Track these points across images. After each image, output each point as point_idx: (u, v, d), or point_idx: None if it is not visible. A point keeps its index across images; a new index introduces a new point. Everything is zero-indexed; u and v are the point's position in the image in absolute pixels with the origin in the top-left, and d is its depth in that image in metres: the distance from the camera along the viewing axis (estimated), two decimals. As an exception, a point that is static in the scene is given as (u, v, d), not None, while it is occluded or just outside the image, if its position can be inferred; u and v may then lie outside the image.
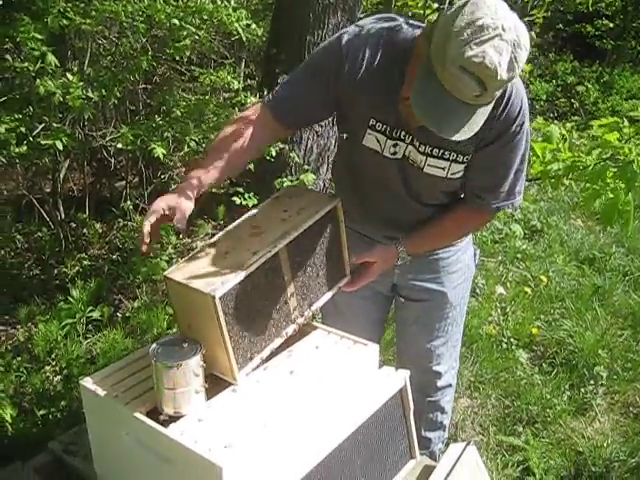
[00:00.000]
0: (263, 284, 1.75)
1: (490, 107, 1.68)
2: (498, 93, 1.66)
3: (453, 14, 1.57)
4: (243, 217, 1.96)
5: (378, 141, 1.96)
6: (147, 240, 1.70)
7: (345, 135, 2.15)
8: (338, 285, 2.03)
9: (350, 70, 1.87)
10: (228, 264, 1.71)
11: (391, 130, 1.93)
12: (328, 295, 2.00)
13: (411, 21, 1.92)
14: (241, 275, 1.66)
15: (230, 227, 1.91)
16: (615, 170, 2.81)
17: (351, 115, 2.01)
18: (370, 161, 2.01)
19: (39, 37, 3.07)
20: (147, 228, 1.69)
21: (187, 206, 1.74)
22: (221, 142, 1.92)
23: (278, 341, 1.84)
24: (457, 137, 1.65)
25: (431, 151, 1.92)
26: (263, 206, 2.00)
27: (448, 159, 1.92)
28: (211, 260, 1.75)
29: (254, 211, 1.98)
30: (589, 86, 9.52)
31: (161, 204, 1.72)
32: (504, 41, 1.54)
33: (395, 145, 1.95)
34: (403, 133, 1.92)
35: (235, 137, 1.91)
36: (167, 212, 1.71)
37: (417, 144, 1.92)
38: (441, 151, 1.91)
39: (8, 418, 2.84)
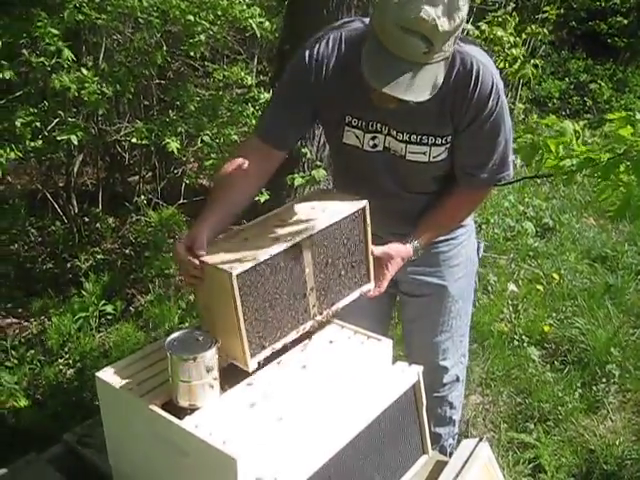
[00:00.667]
0: (282, 273, 1.75)
1: (446, 61, 1.71)
2: (449, 47, 1.68)
3: None
4: (270, 213, 1.97)
5: (357, 137, 2.00)
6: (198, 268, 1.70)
7: (328, 138, 2.22)
8: (361, 289, 2.01)
9: (317, 77, 1.91)
10: (249, 248, 1.72)
11: (367, 124, 1.98)
12: (350, 298, 1.99)
13: (360, 18, 1.97)
14: (260, 258, 1.67)
15: (256, 219, 1.92)
16: (628, 164, 2.80)
17: (328, 117, 2.06)
18: (354, 158, 2.05)
19: (55, 32, 3.09)
20: (190, 264, 1.70)
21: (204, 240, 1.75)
22: (224, 185, 1.95)
23: (293, 335, 1.84)
24: (420, 98, 1.68)
25: (409, 138, 1.95)
26: (291, 204, 2.01)
27: (427, 143, 1.95)
28: (233, 244, 1.76)
29: (282, 207, 1.99)
30: (602, 84, 9.47)
31: (182, 243, 1.73)
32: None
33: (374, 138, 1.99)
34: (379, 125, 1.97)
35: (238, 178, 1.93)
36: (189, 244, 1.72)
37: (394, 133, 1.96)
38: (419, 137, 1.94)
39: (22, 410, 2.87)
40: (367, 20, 1.87)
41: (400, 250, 2.07)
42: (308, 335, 1.93)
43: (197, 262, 1.68)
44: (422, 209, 2.12)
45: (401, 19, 1.58)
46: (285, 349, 1.86)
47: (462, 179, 2.06)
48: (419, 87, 1.67)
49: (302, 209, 1.95)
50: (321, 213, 1.89)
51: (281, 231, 1.80)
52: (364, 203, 1.93)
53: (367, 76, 1.69)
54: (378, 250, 2.02)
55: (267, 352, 1.77)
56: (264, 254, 1.68)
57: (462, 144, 1.96)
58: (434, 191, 2.12)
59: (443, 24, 1.58)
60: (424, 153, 1.96)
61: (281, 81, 2.05)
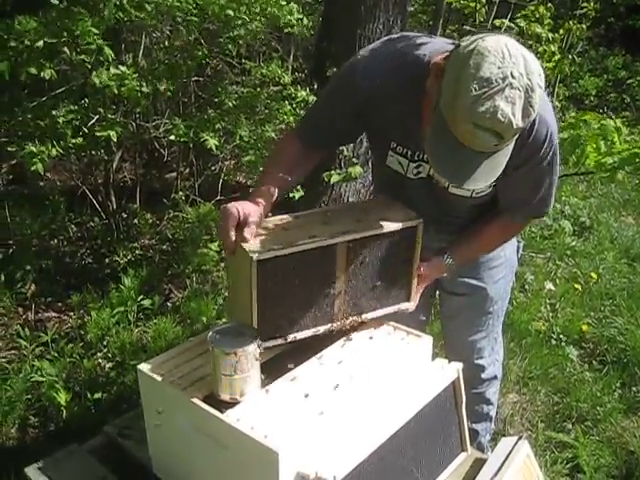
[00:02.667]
0: (310, 270, 1.75)
1: (511, 147, 1.62)
2: (516, 137, 1.61)
3: (459, 66, 1.52)
4: (321, 208, 1.98)
5: (400, 163, 1.97)
6: (234, 246, 1.70)
7: (372, 148, 2.20)
8: (398, 307, 1.98)
9: (367, 99, 1.86)
10: (283, 238, 1.73)
11: (412, 154, 1.93)
12: (383, 312, 1.96)
13: (420, 40, 1.89)
14: (287, 250, 1.68)
15: (304, 212, 1.92)
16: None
17: (373, 137, 2.05)
18: (394, 178, 2.01)
19: (95, 31, 3.13)
20: (232, 238, 1.69)
21: (258, 217, 1.75)
22: (270, 166, 1.96)
23: (309, 332, 1.84)
24: (480, 185, 1.64)
25: None
26: (342, 205, 2.01)
27: None
28: (270, 230, 1.77)
29: (336, 205, 2.00)
30: (641, 81, 9.32)
31: (237, 210, 1.71)
32: (515, 89, 1.48)
33: (418, 166, 1.95)
34: (425, 156, 1.91)
35: (280, 164, 1.93)
36: (240, 219, 1.71)
37: None
38: None
39: (62, 402, 2.92)
40: (424, 52, 1.81)
41: (436, 268, 2.07)
42: (345, 332, 1.93)
43: (244, 238, 1.68)
44: (458, 228, 2.11)
45: (475, 117, 1.49)
46: (325, 344, 1.87)
47: (503, 211, 2.03)
48: (483, 174, 1.60)
49: (354, 211, 1.93)
50: (371, 221, 1.86)
51: (322, 228, 1.80)
52: (418, 222, 1.88)
53: (431, 161, 1.65)
54: (420, 267, 1.99)
55: (278, 342, 1.79)
56: (293, 247, 1.69)
57: (508, 183, 1.89)
58: (472, 216, 2.11)
59: (518, 122, 1.50)
60: (467, 189, 1.92)
61: (330, 88, 2.00)
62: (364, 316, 1.93)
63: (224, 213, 1.72)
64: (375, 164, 2.24)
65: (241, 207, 1.72)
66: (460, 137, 1.55)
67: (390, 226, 1.84)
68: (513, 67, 1.48)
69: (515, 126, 1.51)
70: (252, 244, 1.68)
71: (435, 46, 1.83)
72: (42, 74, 3.03)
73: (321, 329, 1.86)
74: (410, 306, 2.01)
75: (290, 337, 1.81)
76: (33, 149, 3.03)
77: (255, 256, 1.63)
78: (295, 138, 1.99)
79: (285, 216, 1.88)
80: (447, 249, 2.08)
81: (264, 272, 1.67)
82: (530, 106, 1.51)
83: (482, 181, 1.61)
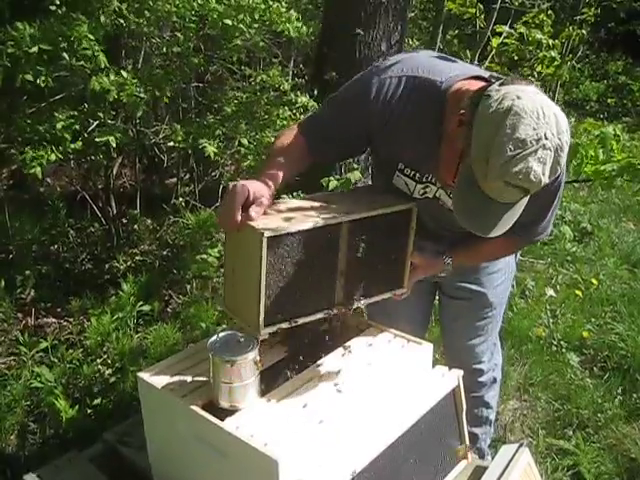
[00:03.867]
0: (314, 250, 1.76)
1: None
2: None
3: (494, 124, 1.51)
4: (319, 193, 1.98)
5: (407, 184, 1.97)
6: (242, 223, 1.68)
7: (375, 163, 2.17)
8: (392, 292, 2.01)
9: (380, 118, 1.85)
10: (288, 219, 1.73)
11: (421, 176, 1.94)
12: (381, 296, 1.99)
13: (437, 63, 1.88)
14: (294, 228, 1.68)
15: (303, 196, 1.93)
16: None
17: (381, 157, 2.03)
18: (400, 196, 2.01)
19: (92, 37, 3.13)
20: (238, 215, 1.67)
21: (267, 197, 1.74)
22: (275, 155, 1.92)
23: (313, 317, 1.84)
24: (500, 232, 1.65)
25: None
26: (340, 192, 2.02)
27: None
28: (275, 212, 1.77)
29: (332, 192, 2.00)
30: (642, 86, 9.35)
31: (245, 188, 1.69)
32: (547, 149, 1.49)
33: (425, 187, 1.96)
34: (434, 179, 1.92)
35: (285, 155, 1.91)
36: (249, 199, 1.70)
37: (448, 191, 1.92)
38: None
39: (62, 408, 2.91)
40: (441, 79, 1.79)
41: (433, 264, 2.08)
42: (346, 339, 1.93)
43: (250, 216, 1.66)
44: (457, 240, 2.10)
45: (508, 176, 1.49)
46: (325, 352, 1.86)
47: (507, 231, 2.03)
48: (505, 222, 1.62)
49: (352, 196, 1.97)
50: (369, 203, 1.88)
51: (325, 210, 1.81)
52: (413, 204, 1.92)
53: (457, 213, 1.66)
54: (415, 257, 2.01)
55: (282, 325, 1.78)
56: (299, 226, 1.69)
57: None
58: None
59: (546, 180, 1.52)
60: None
61: (341, 97, 1.97)
62: (364, 300, 1.94)
63: (233, 190, 1.70)
64: (378, 179, 2.22)
65: (251, 186, 1.71)
66: (488, 191, 1.56)
67: (391, 208, 1.87)
68: (547, 128, 1.49)
69: (543, 184, 1.53)
70: (259, 222, 1.67)
71: (451, 72, 1.82)
72: (38, 81, 3.03)
73: (322, 314, 1.86)
74: (404, 291, 2.04)
75: (295, 320, 1.80)
76: (32, 153, 3.03)
77: (266, 232, 1.62)
78: (301, 136, 1.96)
79: (286, 200, 1.89)
80: (447, 250, 2.10)
81: (272, 250, 1.66)
82: (558, 164, 1.54)
83: (503, 228, 1.64)
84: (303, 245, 1.72)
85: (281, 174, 1.84)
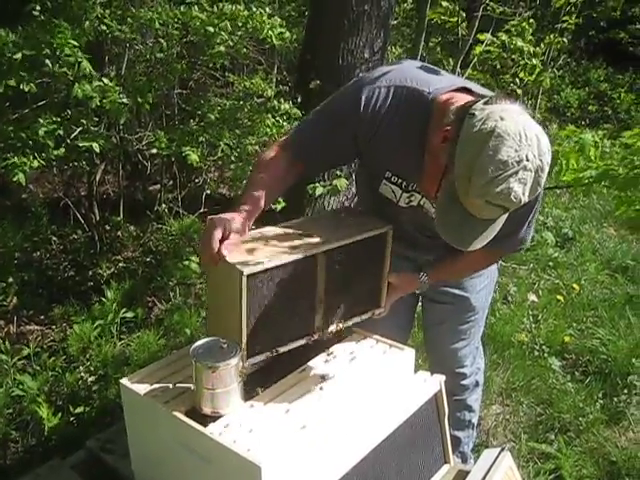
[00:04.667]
0: (294, 281, 1.77)
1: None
2: None
3: (477, 145, 1.53)
4: (294, 221, 1.99)
5: (393, 192, 1.99)
6: (219, 258, 1.69)
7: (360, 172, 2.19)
8: (370, 312, 2.04)
9: (369, 128, 1.86)
10: (266, 252, 1.74)
11: (407, 184, 1.96)
12: (360, 318, 2.01)
13: (424, 74, 1.89)
14: (273, 263, 1.70)
15: (280, 225, 1.93)
16: (646, 177, 2.79)
17: (368, 164, 2.05)
18: (383, 202, 2.04)
19: (75, 44, 3.13)
20: (216, 249, 1.67)
21: (243, 231, 1.76)
22: (257, 176, 1.93)
23: (296, 344, 1.86)
24: (479, 246, 1.68)
25: None
26: (317, 216, 2.03)
27: None
28: (253, 245, 1.78)
29: (307, 218, 2.01)
30: (622, 93, 9.42)
31: (222, 224, 1.70)
32: (528, 171, 1.52)
33: (410, 196, 1.98)
34: (418, 187, 1.95)
35: (268, 175, 1.91)
36: (226, 233, 1.70)
37: (432, 202, 1.95)
38: None
39: (44, 416, 2.89)
40: (429, 89, 1.81)
41: (409, 282, 2.12)
42: (329, 345, 1.95)
43: (222, 254, 1.66)
44: (437, 247, 2.09)
45: (489, 196, 1.53)
46: (308, 358, 1.87)
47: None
48: (485, 237, 1.66)
49: (327, 222, 1.97)
50: (344, 229, 1.90)
51: (301, 240, 1.82)
52: (388, 228, 1.94)
53: (438, 227, 1.68)
54: (392, 277, 2.04)
55: (265, 356, 1.80)
56: (278, 260, 1.71)
57: None
58: None
59: (525, 199, 1.55)
60: None
61: (329, 108, 1.97)
62: (342, 324, 1.95)
63: (210, 225, 1.71)
64: (364, 186, 2.24)
65: (227, 220, 1.72)
66: (469, 208, 1.59)
67: (366, 233, 1.89)
68: (528, 149, 1.52)
69: (522, 203, 1.57)
70: (237, 258, 1.68)
71: (438, 84, 1.83)
72: (21, 86, 3.03)
73: (304, 340, 1.88)
74: (382, 312, 2.07)
75: (278, 350, 1.82)
76: (15, 160, 3.02)
77: (245, 270, 1.64)
78: (285, 151, 1.96)
79: (263, 229, 1.89)
80: (423, 267, 2.13)
81: (252, 286, 1.68)
82: (538, 185, 1.57)
83: (482, 243, 1.67)
84: (282, 278, 1.75)
85: (262, 200, 1.86)
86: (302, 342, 1.88)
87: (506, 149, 1.50)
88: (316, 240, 1.82)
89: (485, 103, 1.59)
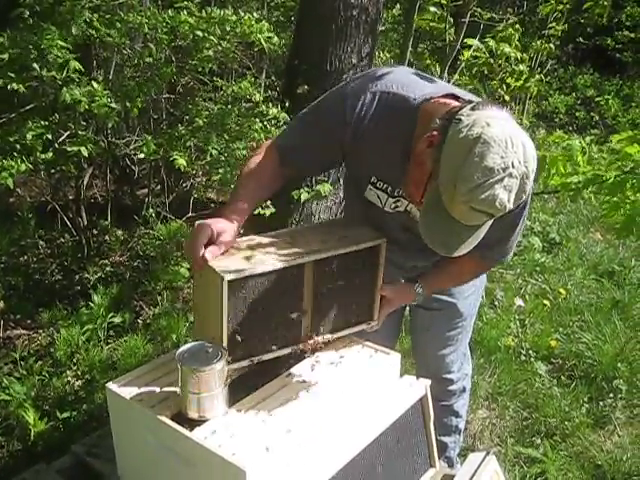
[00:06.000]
0: (278, 290, 1.77)
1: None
2: None
3: (463, 151, 1.53)
4: (286, 229, 1.99)
5: (379, 197, 1.98)
6: (203, 263, 1.69)
7: (347, 177, 2.19)
8: (361, 327, 2.02)
9: (354, 133, 1.86)
10: (251, 259, 1.74)
11: (393, 190, 1.95)
12: (350, 331, 1.99)
13: (411, 80, 1.90)
14: (257, 270, 1.69)
15: (270, 233, 1.93)
16: (635, 182, 2.81)
17: (353, 170, 2.06)
18: (370, 208, 2.03)
19: (64, 45, 3.13)
20: (201, 254, 1.68)
21: (231, 236, 1.76)
22: (246, 179, 1.93)
23: (278, 353, 1.85)
24: (464, 251, 1.67)
25: None
26: (307, 226, 2.02)
27: None
28: (239, 251, 1.78)
29: (299, 227, 2.00)
30: (609, 99, 9.49)
31: (208, 228, 1.71)
32: (513, 178, 1.52)
33: (397, 201, 1.97)
34: (404, 193, 1.94)
35: (256, 178, 1.92)
36: (213, 237, 1.71)
37: (418, 207, 1.92)
38: None
39: (31, 420, 2.88)
40: (415, 96, 1.81)
41: (405, 295, 2.11)
42: (312, 351, 1.95)
43: (206, 258, 1.67)
44: (427, 254, 2.04)
45: (474, 202, 1.53)
46: (295, 361, 1.88)
47: (474, 252, 2.00)
48: (469, 243, 1.65)
49: (318, 232, 1.96)
50: (336, 240, 1.88)
51: (289, 249, 1.81)
52: (381, 241, 1.92)
53: (423, 233, 1.68)
54: (385, 290, 2.02)
55: (248, 362, 1.79)
56: (262, 267, 1.70)
57: None
58: None
59: (510, 206, 1.56)
60: None
61: (315, 113, 1.97)
62: (329, 336, 1.94)
63: (196, 229, 1.72)
64: (350, 192, 2.23)
65: (214, 225, 1.73)
66: (453, 214, 1.59)
67: (355, 246, 1.87)
68: (514, 156, 1.52)
69: (508, 209, 1.57)
70: (221, 264, 1.68)
71: (425, 90, 1.84)
72: (9, 87, 3.02)
73: (288, 350, 1.87)
74: (374, 325, 2.04)
75: (258, 358, 1.82)
76: (2, 164, 3.02)
77: (226, 276, 1.64)
78: (273, 152, 1.96)
79: (252, 237, 1.89)
80: (418, 278, 2.12)
81: (234, 292, 1.68)
82: (523, 192, 1.57)
83: (467, 249, 1.67)
84: (266, 286, 1.74)
85: (249, 205, 1.86)
86: (286, 352, 1.86)
87: (492, 156, 1.50)
88: (306, 250, 1.81)
89: (472, 109, 1.59)
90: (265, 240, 1.87)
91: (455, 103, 1.75)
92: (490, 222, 1.65)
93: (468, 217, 1.58)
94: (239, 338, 1.74)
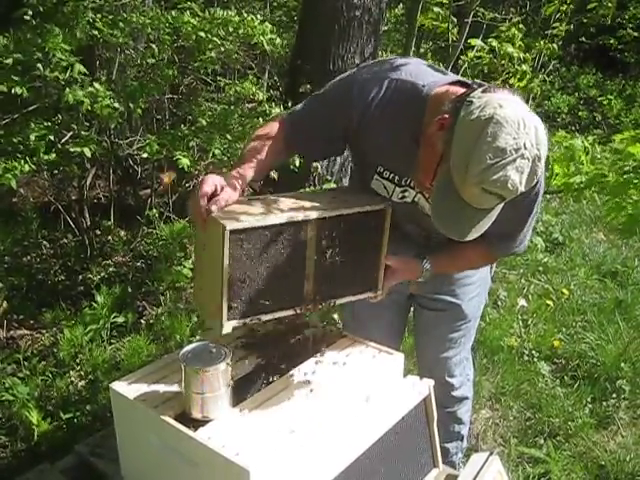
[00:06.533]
0: (281, 246, 1.76)
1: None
2: None
3: (475, 132, 1.53)
4: (291, 192, 1.98)
5: (385, 187, 1.97)
6: (206, 213, 1.69)
7: (355, 166, 2.18)
8: (365, 294, 2.00)
9: (361, 119, 1.86)
10: (256, 212, 1.73)
11: (400, 179, 1.94)
12: (352, 298, 1.98)
13: (420, 69, 1.89)
14: (260, 223, 1.69)
15: (273, 194, 1.92)
16: (637, 182, 2.81)
17: (360, 159, 2.04)
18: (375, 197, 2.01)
19: (67, 47, 3.13)
20: (204, 204, 1.68)
21: (236, 189, 1.76)
22: (251, 150, 1.92)
23: (281, 314, 1.84)
24: (475, 236, 1.67)
25: None
26: (315, 190, 2.00)
27: None
28: (244, 206, 1.77)
29: (304, 191, 1.99)
30: (612, 99, 9.48)
31: (213, 181, 1.72)
32: (525, 159, 1.52)
33: (404, 191, 1.96)
34: (412, 182, 1.93)
35: (260, 150, 1.91)
36: (218, 190, 1.71)
37: (426, 196, 1.93)
38: None
39: (34, 421, 2.89)
40: (423, 83, 1.81)
41: (411, 268, 2.07)
42: (318, 349, 1.95)
43: (210, 209, 1.67)
44: (434, 244, 2.10)
45: (486, 184, 1.52)
46: (297, 362, 1.88)
47: (483, 241, 1.97)
48: (480, 227, 1.65)
49: (325, 195, 1.96)
50: (340, 203, 1.88)
51: (294, 207, 1.81)
52: (387, 205, 1.92)
53: (433, 217, 1.67)
54: (391, 260, 2.00)
55: (247, 320, 1.78)
56: (265, 221, 1.70)
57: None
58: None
59: (522, 189, 1.56)
60: None
61: (324, 96, 1.98)
62: (333, 300, 1.93)
63: (202, 181, 1.72)
64: (356, 182, 2.21)
65: (219, 179, 1.73)
66: (465, 196, 1.58)
67: (363, 207, 1.87)
68: (526, 137, 1.51)
69: (519, 192, 1.56)
70: (224, 216, 1.67)
71: (434, 78, 1.84)
72: (13, 91, 3.03)
73: (289, 312, 1.85)
74: (378, 294, 2.03)
75: (257, 317, 1.80)
76: (5, 165, 3.02)
77: (228, 225, 1.63)
78: (281, 129, 1.96)
79: (257, 196, 1.89)
80: (426, 254, 2.08)
81: (236, 244, 1.67)
82: (535, 174, 1.56)
83: (478, 232, 1.66)
84: (269, 241, 1.73)
85: (256, 167, 1.86)
86: (287, 313, 1.85)
87: (504, 136, 1.50)
88: (310, 208, 1.80)
89: (483, 91, 1.59)
90: (270, 198, 1.87)
91: (465, 89, 1.74)
92: (501, 206, 1.64)
93: (479, 200, 1.58)
94: (241, 293, 1.73)
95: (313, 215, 1.78)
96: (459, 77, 1.95)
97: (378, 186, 1.98)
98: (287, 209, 1.78)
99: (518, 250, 2.09)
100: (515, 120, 1.51)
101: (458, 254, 2.08)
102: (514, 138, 1.50)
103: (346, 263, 1.91)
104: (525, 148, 1.51)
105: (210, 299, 1.74)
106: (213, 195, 1.70)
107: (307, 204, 1.84)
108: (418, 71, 1.87)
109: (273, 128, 1.96)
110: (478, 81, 1.82)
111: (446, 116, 1.64)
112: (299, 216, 1.75)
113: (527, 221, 1.96)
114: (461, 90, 1.74)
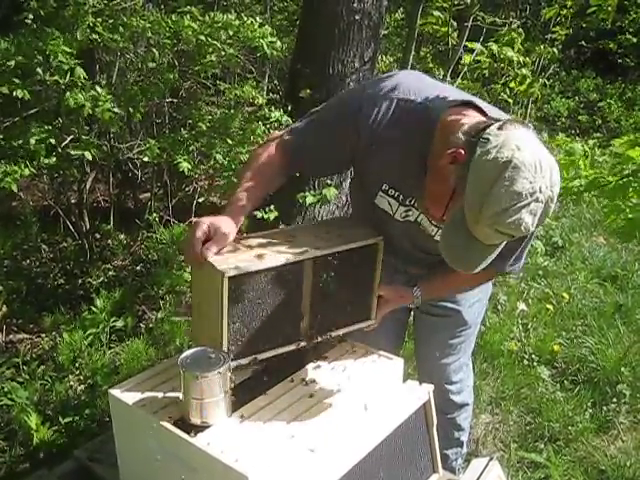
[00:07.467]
0: (278, 288, 1.77)
1: None
2: None
3: (492, 175, 1.51)
4: (285, 227, 1.99)
5: (390, 204, 1.96)
6: (202, 259, 1.69)
7: (356, 183, 2.17)
8: (360, 325, 2.02)
9: (367, 140, 1.84)
10: (252, 256, 1.73)
11: (404, 198, 1.93)
12: (348, 329, 2.00)
13: (429, 87, 1.87)
14: (257, 266, 1.69)
15: (269, 231, 1.93)
16: (637, 185, 2.80)
17: (364, 175, 2.01)
18: (378, 215, 2.00)
19: (68, 50, 3.13)
20: (198, 249, 1.68)
21: (229, 232, 1.75)
22: (249, 176, 1.91)
23: (280, 350, 1.85)
24: (482, 267, 1.67)
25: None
26: (309, 224, 2.01)
27: None
28: (239, 248, 1.77)
29: (298, 225, 2.00)
30: (611, 103, 9.48)
31: (206, 225, 1.71)
32: (539, 202, 1.51)
33: (407, 211, 1.95)
34: (417, 203, 1.92)
35: (260, 175, 1.90)
36: (210, 233, 1.71)
37: (432, 221, 1.92)
38: None
39: (33, 425, 2.88)
40: (430, 106, 1.79)
41: (402, 296, 2.10)
42: (317, 354, 1.95)
43: (205, 255, 1.67)
44: (430, 264, 2.10)
45: (499, 225, 1.52)
46: (297, 367, 1.87)
47: None
48: (487, 259, 1.65)
49: (317, 230, 1.96)
50: (335, 238, 1.89)
51: (288, 246, 1.81)
52: (379, 239, 1.92)
53: (443, 251, 1.67)
54: (383, 289, 2.02)
55: (247, 360, 1.79)
56: (262, 264, 1.70)
57: None
58: None
59: (533, 229, 1.57)
60: None
61: (327, 115, 1.94)
62: (329, 334, 1.94)
63: (193, 226, 1.72)
64: (358, 196, 2.19)
65: (213, 222, 1.72)
66: (476, 234, 1.58)
67: (356, 242, 1.88)
68: (542, 181, 1.51)
69: (529, 231, 1.57)
70: (220, 261, 1.68)
71: (444, 97, 1.81)
72: (15, 93, 3.03)
73: (288, 347, 1.87)
74: (372, 323, 2.04)
75: (257, 356, 1.82)
76: (5, 168, 3.02)
77: (227, 272, 1.64)
78: (280, 150, 1.94)
79: (251, 235, 1.89)
80: (417, 281, 2.10)
81: (234, 289, 1.68)
82: (546, 215, 1.57)
83: (485, 264, 1.66)
84: (266, 283, 1.74)
85: (251, 203, 1.85)
86: (286, 349, 1.87)
87: (522, 180, 1.49)
88: (305, 247, 1.81)
89: (499, 128, 1.57)
90: (264, 238, 1.87)
91: (476, 115, 1.72)
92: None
93: (490, 238, 1.58)
94: (239, 336, 1.75)
95: (309, 255, 1.79)
96: (468, 95, 1.92)
97: (382, 202, 1.96)
98: (283, 250, 1.78)
99: (513, 270, 2.07)
100: (532, 164, 1.50)
101: (451, 277, 2.07)
102: (530, 182, 1.49)
103: (341, 296, 1.93)
104: (540, 192, 1.51)
105: (209, 340, 1.74)
106: (207, 239, 1.70)
107: (301, 241, 1.85)
108: (426, 90, 1.84)
109: (272, 152, 1.94)
110: (487, 107, 1.80)
111: (461, 151, 1.61)
112: (296, 257, 1.76)
113: (521, 245, 1.95)
114: (473, 115, 1.72)
